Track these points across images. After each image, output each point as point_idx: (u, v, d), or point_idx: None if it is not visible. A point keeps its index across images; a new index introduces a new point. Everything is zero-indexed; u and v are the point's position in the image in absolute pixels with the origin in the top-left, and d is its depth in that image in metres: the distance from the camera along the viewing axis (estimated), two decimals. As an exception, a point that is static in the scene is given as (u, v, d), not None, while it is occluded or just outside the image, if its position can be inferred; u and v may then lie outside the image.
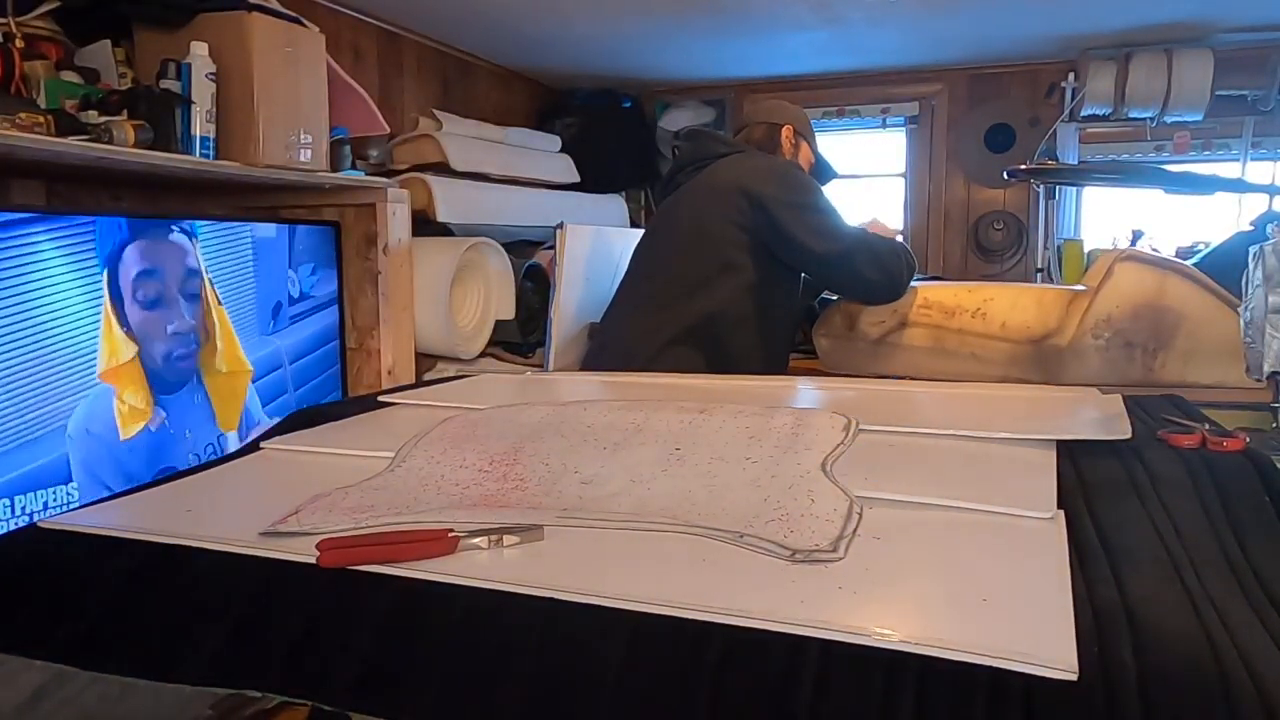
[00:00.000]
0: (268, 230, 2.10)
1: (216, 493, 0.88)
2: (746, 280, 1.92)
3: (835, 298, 2.17)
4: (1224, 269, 1.83)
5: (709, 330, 1.91)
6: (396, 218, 2.32)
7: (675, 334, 1.90)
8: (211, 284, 1.83)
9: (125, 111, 1.74)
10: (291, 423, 1.13)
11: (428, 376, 2.35)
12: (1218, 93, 3.22)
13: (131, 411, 1.71)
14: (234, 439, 1.94)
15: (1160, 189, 2.70)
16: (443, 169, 2.78)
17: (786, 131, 2.19)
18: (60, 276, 1.63)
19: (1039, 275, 3.55)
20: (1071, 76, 3.43)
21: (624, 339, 1.99)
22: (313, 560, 0.65)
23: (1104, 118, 3.45)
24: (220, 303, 1.84)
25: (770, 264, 1.95)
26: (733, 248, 1.92)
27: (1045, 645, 0.52)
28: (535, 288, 2.80)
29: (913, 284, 2.06)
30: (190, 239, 1.77)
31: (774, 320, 2.00)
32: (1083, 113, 3.42)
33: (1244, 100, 3.32)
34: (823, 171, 2.28)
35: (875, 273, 1.95)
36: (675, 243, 2.00)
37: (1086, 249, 3.43)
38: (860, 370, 2.08)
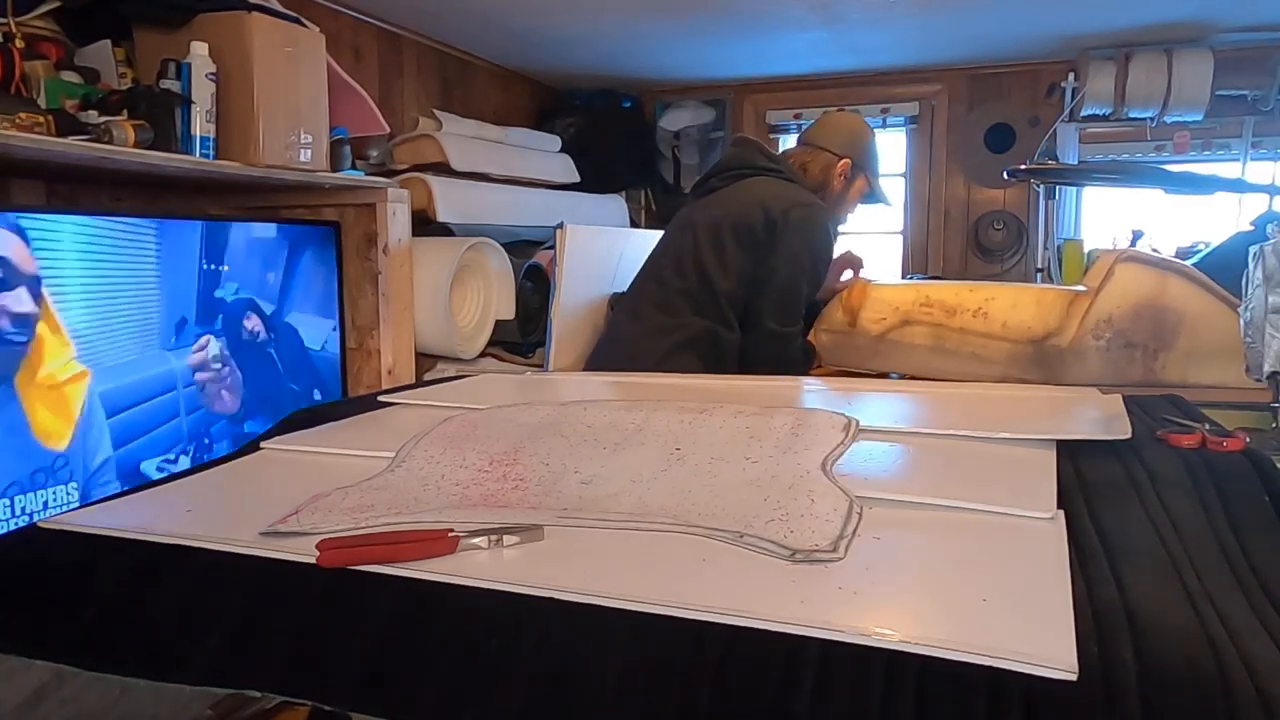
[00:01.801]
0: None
1: (216, 493, 0.88)
2: (750, 303, 1.94)
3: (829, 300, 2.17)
4: (1224, 269, 1.83)
5: (714, 344, 1.93)
6: (396, 218, 2.32)
7: (683, 340, 1.91)
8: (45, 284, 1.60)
9: (125, 111, 1.74)
10: (291, 423, 1.13)
11: (428, 376, 2.35)
12: (1218, 93, 3.22)
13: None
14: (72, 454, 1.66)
15: (1160, 189, 2.69)
16: (443, 169, 2.78)
17: (842, 167, 2.15)
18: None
19: (1039, 275, 3.55)
20: (1071, 76, 3.43)
21: (632, 339, 2.00)
22: (313, 560, 0.65)
23: (1104, 118, 3.45)
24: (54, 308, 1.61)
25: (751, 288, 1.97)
26: (741, 271, 1.94)
27: (1045, 645, 0.52)
28: (535, 288, 2.80)
29: (914, 282, 2.06)
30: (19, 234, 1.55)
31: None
32: (1083, 113, 3.42)
33: (1244, 100, 3.32)
34: (872, 198, 2.26)
35: (776, 363, 1.95)
36: (695, 250, 2.00)
37: (1086, 249, 3.43)
38: (860, 367, 2.08)
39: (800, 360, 2.05)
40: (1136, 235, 3.17)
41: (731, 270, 1.95)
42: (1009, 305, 1.95)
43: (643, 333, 1.97)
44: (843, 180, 2.16)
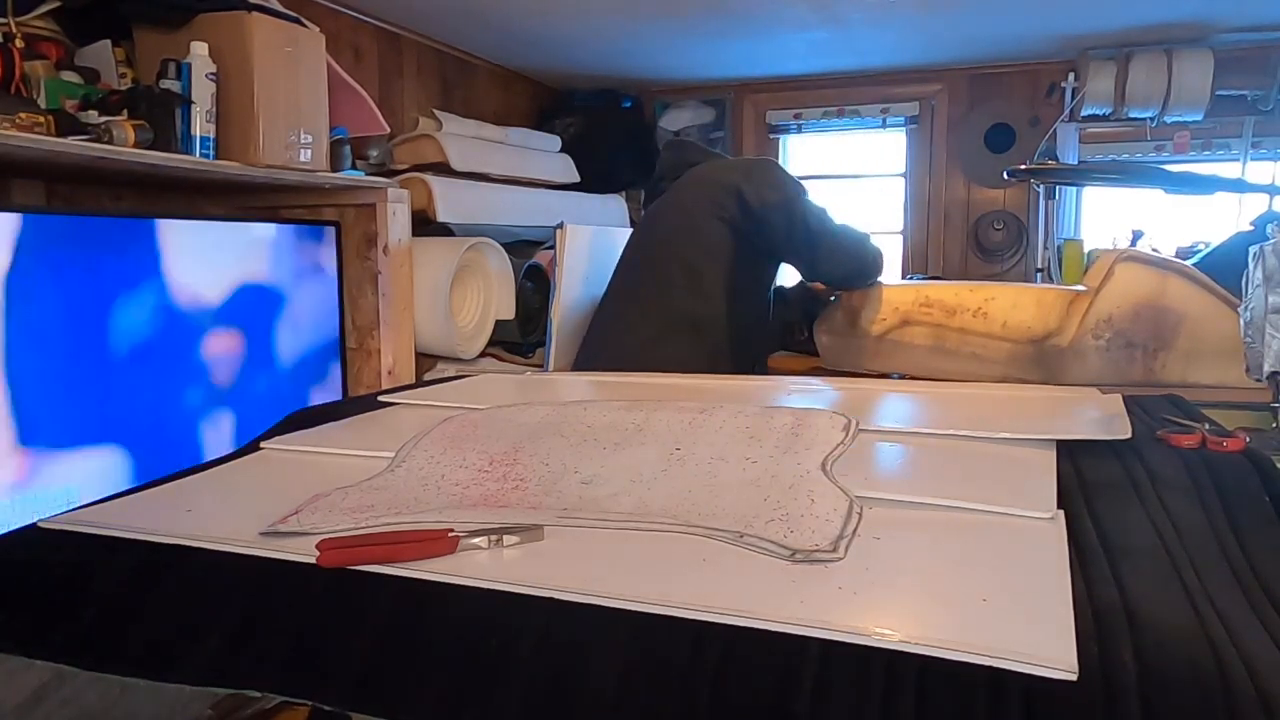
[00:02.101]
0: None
1: (216, 493, 0.88)
2: (725, 277, 1.97)
3: (834, 297, 2.17)
4: (1224, 269, 1.83)
5: (692, 327, 1.95)
6: (396, 218, 2.32)
7: (658, 329, 1.93)
8: None
9: (125, 111, 1.74)
10: (291, 423, 1.13)
11: (428, 376, 2.35)
12: (1218, 93, 3.22)
13: None
14: None
15: (1160, 189, 2.70)
16: (443, 169, 2.78)
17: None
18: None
19: (1039, 275, 3.55)
20: (1071, 76, 3.43)
21: (607, 337, 2.03)
22: (313, 560, 0.65)
23: (1104, 118, 3.45)
24: None
25: (746, 262, 2.00)
26: (714, 243, 1.97)
27: (1045, 645, 0.52)
28: (535, 288, 2.80)
29: (914, 282, 2.07)
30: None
31: (747, 318, 2.04)
32: (1083, 113, 3.42)
33: (1244, 100, 3.32)
34: None
35: (855, 255, 2.01)
36: (658, 243, 2.04)
37: (1086, 249, 3.43)
38: (861, 368, 2.08)
39: (866, 239, 2.06)
40: (1136, 235, 3.17)
41: (718, 249, 1.97)
42: (1009, 305, 1.96)
43: (615, 332, 2.00)
44: None
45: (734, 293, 1.97)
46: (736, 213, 1.96)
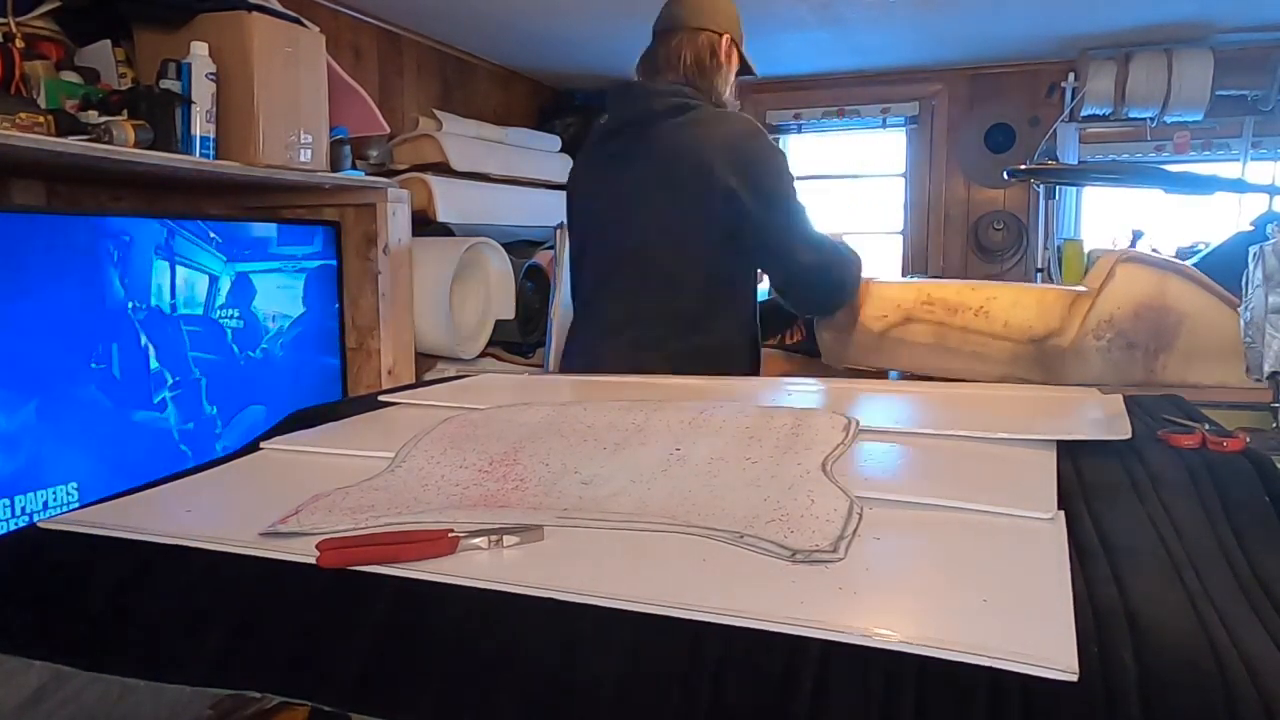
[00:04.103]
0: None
1: (216, 493, 0.88)
2: (726, 278, 1.81)
3: None
4: (1224, 269, 1.83)
5: (704, 355, 1.75)
6: (396, 218, 2.32)
7: (669, 356, 1.73)
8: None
9: (125, 111, 1.74)
10: (291, 423, 1.13)
11: (428, 376, 2.35)
12: (1218, 93, 3.22)
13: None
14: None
15: (1160, 189, 2.70)
16: (443, 169, 2.78)
17: (725, 42, 1.91)
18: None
19: (1039, 275, 3.56)
20: (1071, 76, 3.43)
21: (595, 341, 1.85)
22: (312, 560, 0.65)
23: (1104, 118, 3.45)
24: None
25: (742, 257, 1.83)
26: (715, 249, 1.78)
27: (1045, 645, 0.51)
28: (535, 288, 2.80)
29: (917, 280, 2.05)
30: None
31: (749, 313, 1.89)
32: (1083, 113, 3.43)
33: (1244, 100, 3.32)
34: (745, 70, 2.03)
35: (841, 285, 1.88)
36: (647, 243, 1.80)
37: (1086, 249, 3.43)
38: (862, 364, 2.08)
39: (849, 257, 1.89)
40: (1136, 235, 3.17)
41: (711, 245, 1.77)
42: (1010, 304, 1.95)
43: (603, 334, 1.83)
44: (727, 59, 1.94)
45: (719, 307, 1.80)
46: (727, 215, 1.75)
